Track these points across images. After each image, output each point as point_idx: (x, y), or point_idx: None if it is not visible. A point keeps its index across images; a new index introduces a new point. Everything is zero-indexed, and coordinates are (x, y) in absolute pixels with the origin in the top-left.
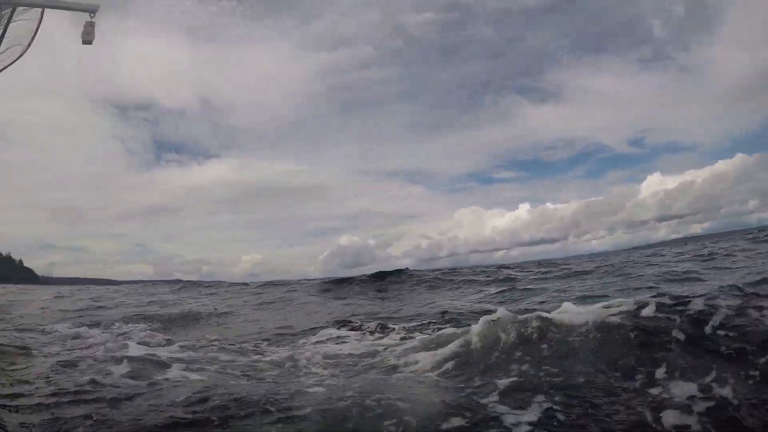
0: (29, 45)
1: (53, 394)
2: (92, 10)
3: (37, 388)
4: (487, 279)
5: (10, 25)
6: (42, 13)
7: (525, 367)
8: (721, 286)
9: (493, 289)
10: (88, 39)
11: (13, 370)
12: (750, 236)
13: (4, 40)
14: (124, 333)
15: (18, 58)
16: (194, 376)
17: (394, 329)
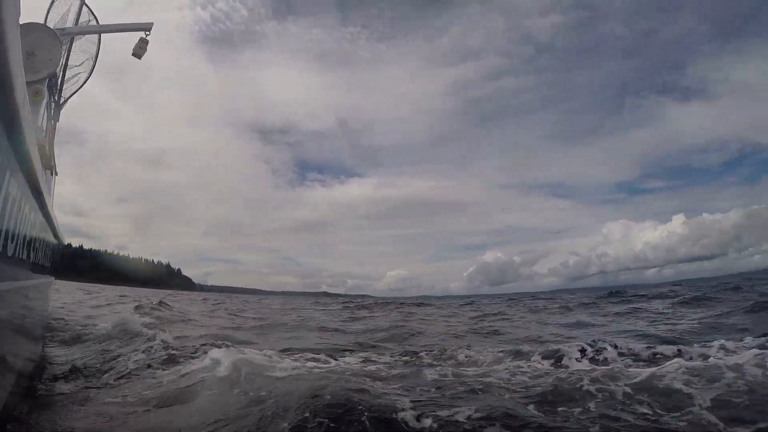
0: (92, 70)
1: None
2: (147, 29)
3: None
4: None
5: (71, 53)
6: (99, 39)
7: None
8: None
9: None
10: (138, 53)
11: None
12: None
13: (69, 69)
14: None
15: (84, 84)
16: None
17: None
